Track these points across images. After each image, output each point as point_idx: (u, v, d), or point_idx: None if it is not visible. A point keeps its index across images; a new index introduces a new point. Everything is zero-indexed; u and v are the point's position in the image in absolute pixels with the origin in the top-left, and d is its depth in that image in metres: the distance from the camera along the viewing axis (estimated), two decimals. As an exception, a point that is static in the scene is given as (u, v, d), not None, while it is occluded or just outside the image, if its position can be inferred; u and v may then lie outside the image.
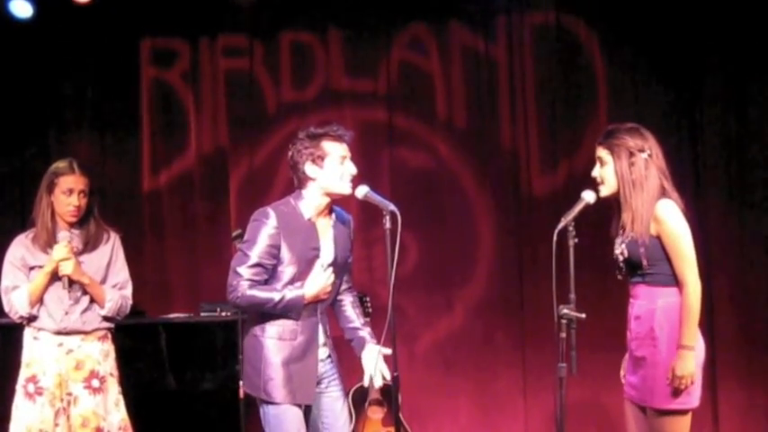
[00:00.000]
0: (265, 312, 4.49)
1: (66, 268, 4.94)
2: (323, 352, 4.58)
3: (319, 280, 4.50)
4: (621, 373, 4.57)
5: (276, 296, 4.44)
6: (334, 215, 4.62)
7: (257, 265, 4.43)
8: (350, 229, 4.71)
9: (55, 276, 4.97)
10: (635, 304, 4.42)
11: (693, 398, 4.32)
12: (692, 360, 4.25)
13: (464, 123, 7.20)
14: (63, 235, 5.00)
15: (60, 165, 5.10)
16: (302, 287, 4.48)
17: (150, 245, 7.29)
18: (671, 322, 4.29)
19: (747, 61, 6.80)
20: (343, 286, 4.73)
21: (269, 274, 4.48)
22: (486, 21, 7.15)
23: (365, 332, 4.67)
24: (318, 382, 4.57)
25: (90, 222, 5.12)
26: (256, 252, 4.44)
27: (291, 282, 4.48)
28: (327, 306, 4.63)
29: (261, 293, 4.44)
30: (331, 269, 4.54)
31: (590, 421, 6.66)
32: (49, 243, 5.01)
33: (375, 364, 4.56)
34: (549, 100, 7.09)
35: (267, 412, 4.49)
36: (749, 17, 6.73)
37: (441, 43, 7.19)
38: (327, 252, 4.56)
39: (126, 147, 7.36)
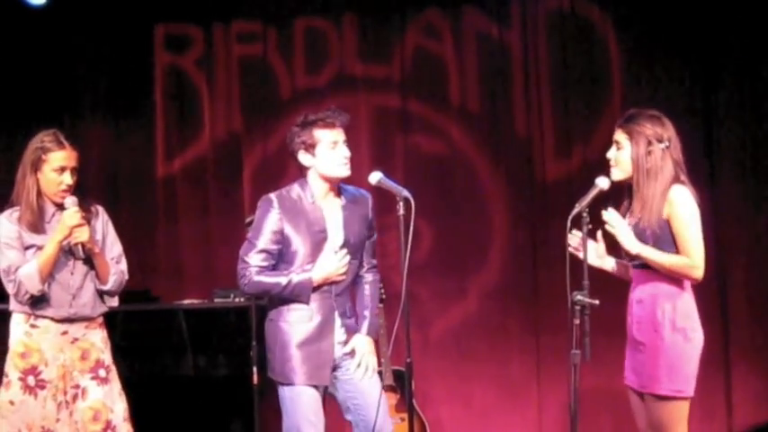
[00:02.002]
0: (278, 297, 4.54)
1: (83, 235, 4.60)
2: (341, 334, 4.61)
3: (329, 263, 4.54)
4: None
5: (283, 280, 4.50)
6: (343, 196, 4.63)
7: (262, 251, 4.52)
8: (367, 208, 4.71)
9: (63, 250, 4.63)
10: (637, 289, 4.42)
11: (690, 387, 4.32)
12: (629, 242, 4.26)
13: (478, 109, 7.18)
14: (71, 200, 4.61)
15: (46, 139, 4.67)
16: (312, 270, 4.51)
17: (164, 231, 7.31)
18: (674, 309, 4.29)
19: (765, 43, 6.75)
20: (364, 266, 4.74)
21: (276, 259, 4.55)
22: (501, 6, 7.12)
23: (365, 322, 4.68)
24: (338, 365, 4.61)
25: (79, 197, 4.68)
26: (260, 239, 4.53)
27: (303, 265, 4.52)
28: (346, 287, 4.64)
29: (268, 279, 4.52)
30: (344, 251, 4.56)
31: (604, 408, 6.65)
32: (35, 224, 4.63)
33: (361, 356, 4.61)
34: (563, 85, 7.06)
35: (284, 395, 4.56)
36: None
37: (455, 29, 7.17)
38: (336, 234, 4.58)
39: (140, 133, 7.37)
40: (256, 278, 4.51)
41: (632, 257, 4.39)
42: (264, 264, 4.52)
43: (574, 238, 4.38)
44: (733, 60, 6.83)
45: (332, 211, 4.60)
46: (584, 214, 4.26)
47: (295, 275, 4.50)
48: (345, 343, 4.62)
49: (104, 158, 7.22)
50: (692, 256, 4.26)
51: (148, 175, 7.35)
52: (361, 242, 4.69)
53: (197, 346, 6.08)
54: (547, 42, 7.08)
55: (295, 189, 4.60)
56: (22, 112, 7.08)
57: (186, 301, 6.47)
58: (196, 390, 6.25)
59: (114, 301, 4.95)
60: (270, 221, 4.53)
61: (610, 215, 4.32)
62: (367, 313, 4.69)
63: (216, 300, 6.30)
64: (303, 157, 4.55)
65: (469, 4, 7.15)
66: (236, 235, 6.82)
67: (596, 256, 4.54)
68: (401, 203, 4.44)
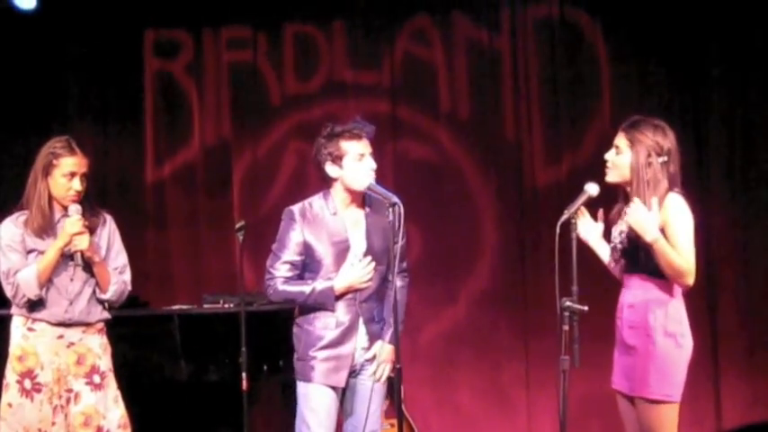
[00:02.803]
0: (303, 305, 4.64)
1: (82, 243, 4.61)
2: (364, 340, 4.67)
3: (352, 271, 4.61)
4: None
5: (306, 289, 4.60)
6: (367, 205, 4.69)
7: (286, 262, 4.64)
8: (394, 215, 4.60)
9: (63, 256, 4.64)
10: (628, 293, 4.42)
11: (678, 392, 4.33)
12: (649, 229, 4.21)
13: (468, 115, 7.19)
14: (74, 208, 4.64)
15: (58, 144, 4.73)
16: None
17: (153, 236, 7.31)
18: (665, 314, 4.30)
19: (750, 49, 6.77)
20: (394, 271, 4.72)
21: (300, 269, 4.65)
22: (490, 13, 7.14)
23: (390, 330, 4.68)
24: (358, 370, 4.67)
25: (86, 205, 4.73)
26: (284, 251, 4.64)
27: (327, 274, 4.61)
28: (373, 294, 4.67)
29: (292, 288, 4.63)
30: (368, 259, 4.61)
31: (593, 413, 6.66)
32: (44, 229, 4.66)
33: (378, 363, 4.68)
34: (552, 92, 7.07)
35: (300, 391, 4.65)
36: (751, 4, 6.71)
37: (444, 35, 7.18)
38: (358, 243, 4.64)
39: (129, 138, 7.38)
40: (281, 287, 4.63)
41: (624, 256, 4.40)
42: (289, 274, 4.64)
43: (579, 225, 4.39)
44: (722, 66, 6.84)
45: (355, 220, 4.66)
46: (573, 220, 4.28)
47: (318, 284, 4.59)
48: (368, 349, 4.68)
49: (93, 164, 7.15)
50: (685, 260, 4.28)
51: (138, 180, 7.35)
52: (387, 249, 4.67)
53: (185, 352, 6.06)
54: (536, 48, 7.10)
55: (317, 200, 4.67)
56: (11, 117, 7.08)
57: (175, 307, 6.45)
58: (184, 396, 6.22)
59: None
60: (292, 234, 4.63)
61: (636, 205, 4.29)
62: (392, 320, 4.68)
63: (205, 305, 6.28)
64: (330, 169, 4.59)
65: (459, 11, 7.16)
66: (226, 241, 6.86)
67: (594, 235, 4.55)
68: (390, 209, 4.44)
